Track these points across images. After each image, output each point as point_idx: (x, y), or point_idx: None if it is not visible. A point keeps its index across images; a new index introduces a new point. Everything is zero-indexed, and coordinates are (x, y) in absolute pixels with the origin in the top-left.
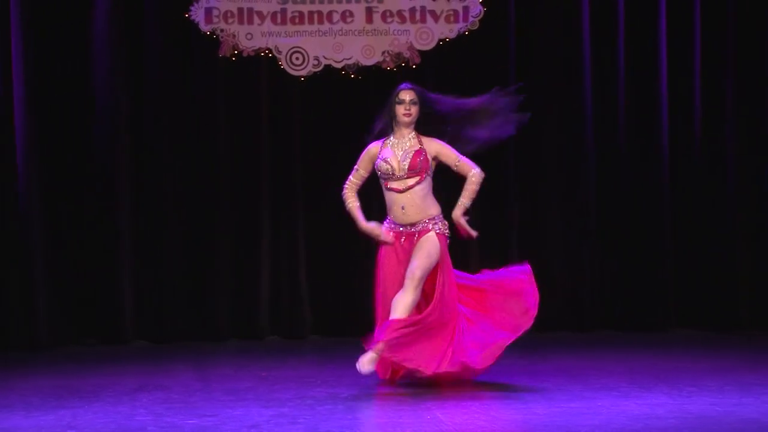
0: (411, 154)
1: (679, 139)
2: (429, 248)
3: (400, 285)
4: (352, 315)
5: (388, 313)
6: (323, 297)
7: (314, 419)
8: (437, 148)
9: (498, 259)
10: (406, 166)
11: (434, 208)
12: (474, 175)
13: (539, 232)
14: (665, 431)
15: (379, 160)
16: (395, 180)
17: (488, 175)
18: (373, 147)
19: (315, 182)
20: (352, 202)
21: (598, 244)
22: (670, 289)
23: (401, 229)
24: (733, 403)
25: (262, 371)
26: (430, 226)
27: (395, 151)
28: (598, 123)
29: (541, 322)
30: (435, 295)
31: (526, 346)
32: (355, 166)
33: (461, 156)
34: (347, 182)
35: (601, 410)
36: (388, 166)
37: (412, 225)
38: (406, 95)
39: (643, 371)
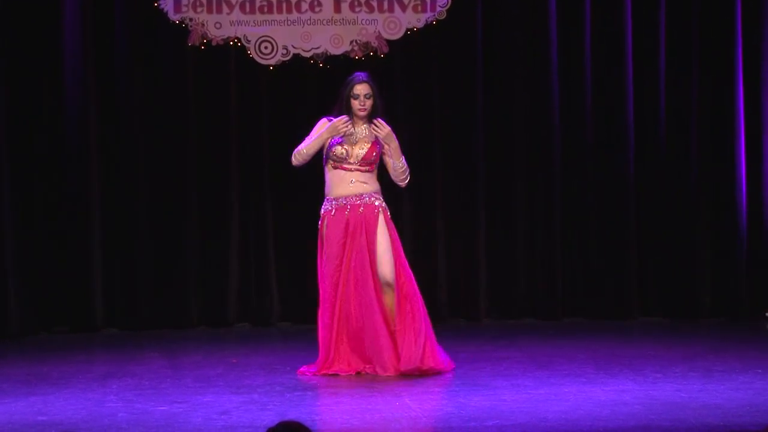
0: (368, 145)
1: (644, 131)
2: (387, 239)
3: (341, 261)
4: None
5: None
6: (293, 284)
7: (284, 406)
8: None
9: (465, 247)
10: (361, 156)
11: (377, 185)
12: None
13: (505, 220)
14: (631, 417)
15: (334, 143)
16: (346, 164)
17: (455, 165)
18: (325, 121)
19: (283, 170)
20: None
21: (563, 232)
22: (635, 278)
23: (344, 202)
24: (698, 389)
25: (231, 358)
26: (375, 200)
27: (351, 139)
28: (565, 113)
29: (508, 310)
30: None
31: (493, 333)
32: (307, 137)
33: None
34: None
35: (568, 396)
36: (343, 151)
37: (358, 196)
38: (361, 89)
39: (609, 358)
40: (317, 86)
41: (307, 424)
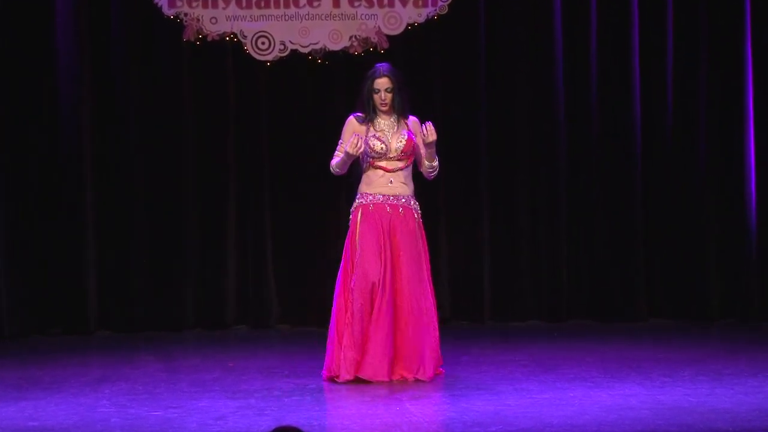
0: (405, 137)
1: (651, 129)
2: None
3: (379, 257)
4: (321, 304)
5: (365, 291)
6: (291, 285)
7: (281, 411)
8: (416, 129)
9: (467, 247)
10: (401, 148)
11: (413, 186)
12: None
13: (509, 219)
14: (638, 422)
15: (371, 138)
16: (385, 160)
17: (458, 162)
18: (354, 120)
19: (282, 168)
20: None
21: (569, 231)
22: (644, 280)
23: (381, 200)
24: (706, 393)
25: (228, 362)
26: (412, 204)
27: (386, 131)
28: (570, 109)
29: (512, 312)
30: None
31: (496, 335)
32: (340, 141)
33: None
34: (334, 156)
35: (573, 401)
36: (383, 145)
37: (396, 197)
38: (381, 84)
39: (616, 361)
40: (316, 83)
41: (305, 429)
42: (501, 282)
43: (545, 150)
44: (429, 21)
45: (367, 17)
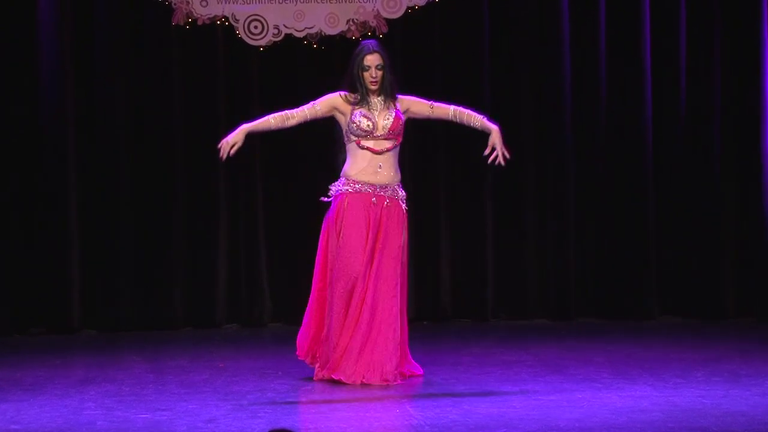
0: (393, 115)
1: (663, 123)
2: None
3: (363, 251)
4: None
5: (346, 285)
6: (285, 281)
7: (275, 413)
8: (406, 104)
9: (470, 241)
10: (388, 126)
11: (400, 173)
12: (457, 108)
13: (514, 212)
14: (650, 424)
15: (357, 115)
16: (372, 139)
17: (460, 154)
18: (340, 98)
19: (275, 161)
20: (272, 115)
21: (577, 225)
22: (655, 276)
23: (369, 189)
24: (721, 394)
25: (219, 362)
26: (399, 194)
27: (373, 110)
28: (578, 99)
29: (519, 310)
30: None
31: (501, 334)
32: (312, 102)
33: (432, 100)
34: (297, 108)
35: (581, 403)
36: (370, 123)
37: (383, 187)
38: (372, 60)
39: (627, 361)
40: (311, 69)
41: None
42: (505, 278)
43: (552, 140)
44: (430, 3)
45: (365, 0)
